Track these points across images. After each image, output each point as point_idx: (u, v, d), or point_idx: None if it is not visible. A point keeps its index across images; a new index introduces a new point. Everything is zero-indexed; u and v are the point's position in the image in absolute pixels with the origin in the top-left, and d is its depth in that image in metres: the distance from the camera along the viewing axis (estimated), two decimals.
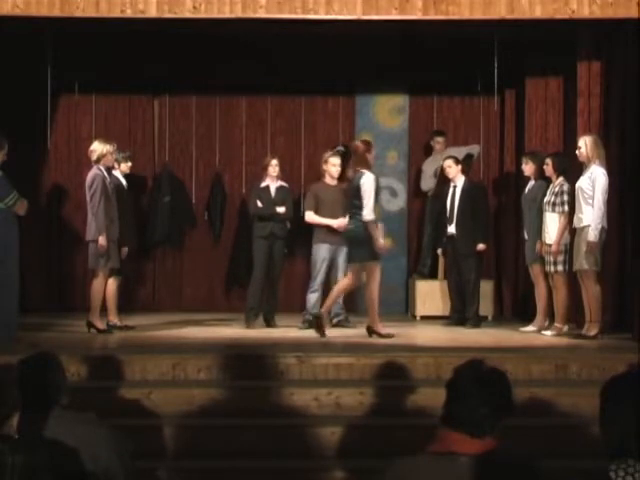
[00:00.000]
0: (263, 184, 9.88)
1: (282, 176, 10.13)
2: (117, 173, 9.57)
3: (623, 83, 9.21)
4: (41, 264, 11.16)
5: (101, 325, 9.09)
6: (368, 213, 8.73)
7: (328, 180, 9.95)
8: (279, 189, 9.90)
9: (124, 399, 6.65)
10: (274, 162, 9.89)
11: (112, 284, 9.41)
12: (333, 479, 6.03)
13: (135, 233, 10.05)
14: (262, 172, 10.02)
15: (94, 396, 6.45)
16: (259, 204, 9.78)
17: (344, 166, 10.02)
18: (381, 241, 8.83)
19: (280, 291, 10.47)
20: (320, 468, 6.10)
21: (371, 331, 8.77)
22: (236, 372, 7.14)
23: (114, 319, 9.43)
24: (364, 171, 8.84)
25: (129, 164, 9.73)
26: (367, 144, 9.02)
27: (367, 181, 8.78)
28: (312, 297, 9.83)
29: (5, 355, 6.24)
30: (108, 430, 4.05)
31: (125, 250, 9.46)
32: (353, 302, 11.53)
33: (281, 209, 9.76)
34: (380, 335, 8.68)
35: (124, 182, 9.65)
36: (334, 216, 9.78)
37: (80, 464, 2.95)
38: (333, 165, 9.93)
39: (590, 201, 8.58)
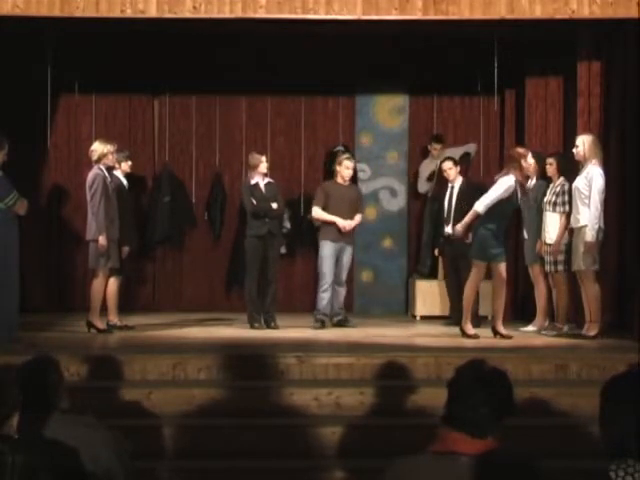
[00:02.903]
0: (253, 182, 9.85)
1: (273, 174, 10.12)
2: (118, 173, 9.58)
3: (623, 83, 9.21)
4: (41, 264, 11.16)
5: (101, 325, 9.09)
6: (478, 204, 8.70)
7: (340, 181, 9.97)
8: (268, 185, 9.88)
9: (124, 399, 6.65)
10: (264, 159, 9.87)
11: (113, 284, 9.41)
12: (333, 479, 6.03)
13: (136, 233, 10.05)
14: (251, 170, 9.97)
15: (94, 396, 6.46)
16: (253, 202, 9.76)
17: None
18: (460, 228, 8.86)
19: (280, 291, 10.46)
20: (320, 468, 6.10)
21: (462, 332, 8.82)
22: (236, 372, 7.14)
23: (114, 319, 9.43)
24: (508, 173, 8.79)
25: (129, 163, 9.75)
26: (523, 153, 8.94)
27: (501, 181, 8.76)
28: (324, 296, 9.80)
29: (5, 355, 6.24)
30: (107, 432, 4.06)
31: (126, 249, 9.46)
32: (352, 302, 11.54)
33: (274, 205, 9.75)
34: (467, 335, 8.74)
35: (125, 182, 9.66)
36: (341, 215, 9.80)
37: (80, 464, 2.95)
38: (347, 168, 9.97)
39: (586, 201, 8.58)
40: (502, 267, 8.85)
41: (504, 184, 8.69)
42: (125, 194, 9.60)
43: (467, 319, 8.84)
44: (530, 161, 8.95)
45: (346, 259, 9.87)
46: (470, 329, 8.80)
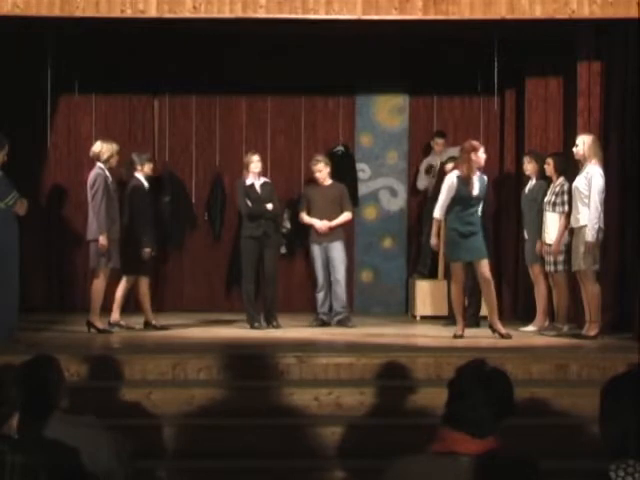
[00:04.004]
0: (248, 182, 9.84)
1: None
2: (139, 175, 9.55)
3: (623, 83, 9.21)
4: (41, 264, 11.15)
5: (101, 325, 9.09)
6: (434, 211, 8.88)
7: (320, 182, 10.01)
8: (264, 186, 9.87)
9: (124, 399, 6.65)
10: (255, 158, 9.85)
11: (144, 285, 9.49)
12: (333, 479, 6.03)
13: (155, 234, 9.94)
14: (245, 170, 9.98)
15: (94, 396, 6.46)
16: (249, 203, 9.76)
17: (337, 168, 10.07)
18: (432, 240, 8.93)
19: (279, 291, 10.47)
20: (320, 468, 6.10)
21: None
22: (236, 372, 7.14)
23: (152, 319, 9.48)
24: (454, 168, 8.87)
25: (151, 165, 9.72)
26: (475, 146, 8.87)
27: (445, 180, 8.87)
28: (318, 297, 9.99)
29: (5, 355, 6.23)
30: (108, 432, 4.06)
31: (147, 251, 9.39)
32: (352, 302, 11.53)
33: (269, 206, 9.76)
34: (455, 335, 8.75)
35: (146, 184, 9.61)
36: (322, 216, 9.84)
37: (80, 464, 2.95)
38: (313, 172, 10.04)
39: (586, 201, 8.58)
40: (482, 265, 8.72)
41: (445, 184, 8.83)
42: (146, 196, 9.57)
43: (458, 321, 8.83)
44: (481, 155, 8.81)
45: (335, 257, 9.88)
46: (459, 329, 8.77)
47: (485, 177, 8.95)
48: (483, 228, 9.01)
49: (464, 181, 8.70)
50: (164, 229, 11.34)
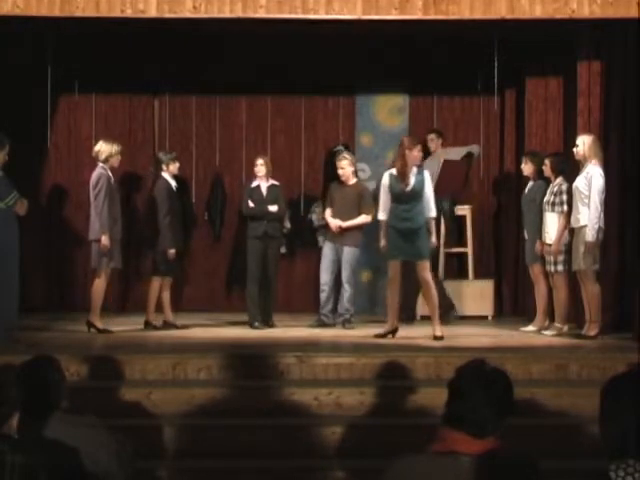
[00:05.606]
0: (254, 184, 9.89)
1: (273, 174, 10.11)
2: (166, 175, 9.54)
3: (623, 83, 9.22)
4: (41, 264, 11.15)
5: (101, 325, 9.08)
6: (378, 213, 8.91)
7: (343, 180, 9.98)
8: (270, 188, 9.88)
9: (124, 399, 6.65)
10: (259, 162, 9.87)
11: (165, 286, 9.48)
12: (333, 479, 6.03)
13: (182, 235, 9.89)
14: (252, 172, 10.03)
15: (94, 396, 6.46)
16: (251, 204, 9.78)
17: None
18: (382, 242, 8.87)
19: (280, 291, 10.47)
20: (320, 468, 6.10)
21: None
22: (236, 372, 7.14)
23: (170, 318, 9.50)
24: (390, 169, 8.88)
25: (177, 165, 9.69)
26: (411, 144, 8.81)
27: (382, 180, 8.90)
28: (321, 296, 9.94)
29: (5, 355, 6.23)
30: (108, 433, 4.06)
31: (172, 252, 9.40)
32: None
33: (273, 208, 9.75)
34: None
35: (174, 184, 9.60)
36: (339, 216, 9.82)
37: (80, 464, 2.95)
38: (337, 169, 9.98)
39: (586, 201, 8.58)
40: (421, 267, 8.66)
41: (381, 186, 8.87)
42: (174, 196, 9.56)
43: (389, 320, 8.73)
44: (416, 154, 8.82)
45: (345, 260, 9.84)
46: (388, 327, 8.68)
47: (426, 172, 8.86)
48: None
49: (398, 177, 8.69)
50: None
